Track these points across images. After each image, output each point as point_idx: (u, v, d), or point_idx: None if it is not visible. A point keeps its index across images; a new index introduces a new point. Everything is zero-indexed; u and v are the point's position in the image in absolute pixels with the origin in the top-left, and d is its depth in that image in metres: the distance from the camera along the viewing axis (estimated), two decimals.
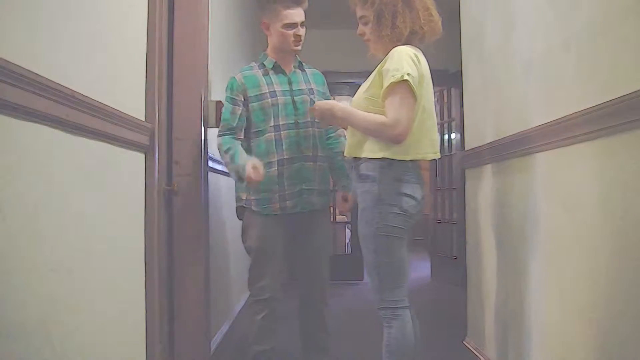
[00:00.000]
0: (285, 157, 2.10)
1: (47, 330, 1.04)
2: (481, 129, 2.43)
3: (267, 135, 2.11)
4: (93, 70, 1.25)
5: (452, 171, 4.93)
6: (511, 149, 1.98)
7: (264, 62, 2.19)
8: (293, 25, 2.12)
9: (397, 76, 1.63)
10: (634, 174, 1.21)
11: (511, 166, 2.03)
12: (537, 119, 1.73)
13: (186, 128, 2.13)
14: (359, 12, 1.81)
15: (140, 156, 1.60)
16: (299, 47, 2.16)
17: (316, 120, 1.99)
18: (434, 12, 1.77)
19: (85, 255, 1.20)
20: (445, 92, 4.98)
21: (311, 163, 2.13)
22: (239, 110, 2.13)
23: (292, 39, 2.13)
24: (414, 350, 1.72)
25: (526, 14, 1.89)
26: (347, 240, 5.62)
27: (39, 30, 1.01)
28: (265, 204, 2.11)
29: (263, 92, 2.13)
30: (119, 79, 1.43)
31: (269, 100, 2.11)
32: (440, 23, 1.78)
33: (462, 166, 2.90)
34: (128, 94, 1.50)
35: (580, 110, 1.42)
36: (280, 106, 2.11)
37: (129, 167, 1.52)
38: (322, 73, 2.37)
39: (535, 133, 1.73)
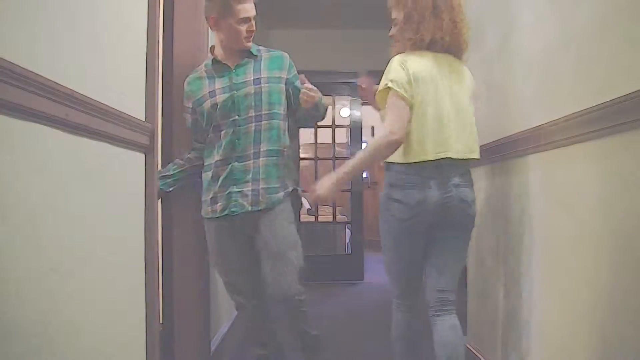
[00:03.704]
0: (219, 158, 1.99)
1: (47, 330, 1.04)
2: (481, 129, 2.42)
3: (210, 137, 2.03)
4: (93, 70, 1.25)
5: None
6: (511, 149, 1.98)
7: (205, 63, 2.10)
8: (246, 20, 1.99)
9: (381, 85, 1.74)
10: (634, 174, 1.21)
11: (511, 166, 2.03)
12: (537, 119, 1.73)
13: (186, 128, 2.13)
14: (393, 15, 1.88)
15: (140, 156, 1.60)
16: (250, 44, 2.03)
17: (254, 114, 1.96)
18: (461, 24, 1.80)
19: (85, 255, 1.20)
20: None
21: (248, 162, 1.98)
22: (191, 118, 2.08)
23: (245, 34, 2.00)
24: (406, 346, 1.86)
25: (526, 14, 1.89)
26: (347, 240, 5.62)
27: (39, 30, 1.02)
28: (204, 206, 2.05)
29: (203, 94, 2.03)
30: (119, 79, 1.43)
31: (209, 101, 2.01)
32: (465, 36, 1.81)
33: None
34: (128, 94, 1.50)
35: (580, 110, 1.42)
36: (219, 105, 1.99)
37: (129, 167, 1.52)
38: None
39: (535, 133, 1.73)
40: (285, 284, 1.93)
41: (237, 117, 1.98)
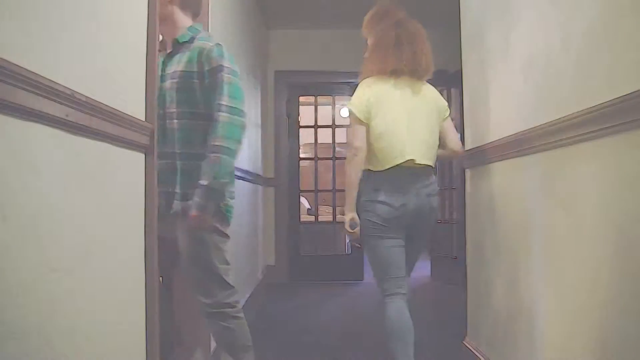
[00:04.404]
0: (159, 152, 1.79)
1: (47, 331, 1.04)
2: (481, 129, 2.43)
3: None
4: (93, 70, 1.25)
5: (452, 171, 4.93)
6: (511, 148, 1.98)
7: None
8: None
9: (346, 108, 2.18)
10: (634, 173, 1.21)
11: (511, 166, 2.03)
12: (537, 119, 1.73)
13: None
14: (368, 40, 2.23)
15: (140, 156, 1.60)
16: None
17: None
18: (420, 54, 2.09)
19: (85, 255, 1.20)
20: (445, 92, 4.98)
21: (169, 162, 1.82)
22: None
23: None
24: (400, 334, 1.98)
25: (526, 14, 1.89)
26: (347, 240, 5.62)
27: (39, 30, 1.02)
28: None
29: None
30: (119, 79, 1.43)
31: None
32: (425, 64, 2.10)
33: (462, 166, 2.90)
34: (128, 94, 1.50)
35: (580, 110, 1.42)
36: (158, 92, 1.76)
37: (129, 167, 1.52)
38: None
39: (535, 133, 1.73)
40: (199, 293, 1.84)
41: (161, 111, 1.80)
